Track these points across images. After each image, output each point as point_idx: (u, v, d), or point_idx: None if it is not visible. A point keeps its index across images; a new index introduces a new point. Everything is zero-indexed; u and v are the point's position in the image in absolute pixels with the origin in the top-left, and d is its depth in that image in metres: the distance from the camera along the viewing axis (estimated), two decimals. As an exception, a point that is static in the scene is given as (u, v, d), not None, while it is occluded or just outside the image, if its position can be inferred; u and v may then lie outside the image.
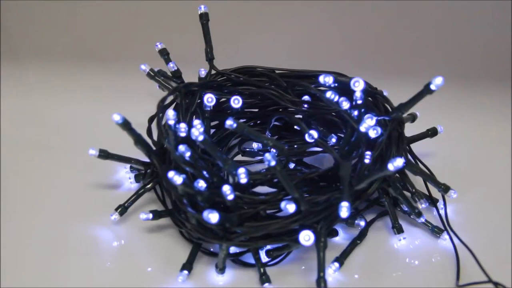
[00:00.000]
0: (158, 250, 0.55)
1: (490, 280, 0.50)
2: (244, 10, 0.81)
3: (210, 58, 0.63)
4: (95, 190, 0.62)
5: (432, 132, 0.63)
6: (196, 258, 0.53)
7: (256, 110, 0.64)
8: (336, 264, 0.53)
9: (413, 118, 0.62)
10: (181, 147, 0.50)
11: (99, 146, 0.57)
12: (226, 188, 0.47)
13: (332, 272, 0.53)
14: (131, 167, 0.61)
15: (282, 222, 0.49)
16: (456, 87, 0.72)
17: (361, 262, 0.54)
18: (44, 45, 0.84)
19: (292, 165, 0.62)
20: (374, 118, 0.51)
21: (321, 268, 0.48)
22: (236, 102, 0.58)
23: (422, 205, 0.55)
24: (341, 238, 0.56)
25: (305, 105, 0.60)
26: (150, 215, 0.55)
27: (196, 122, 0.56)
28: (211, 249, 0.54)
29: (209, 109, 0.59)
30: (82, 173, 0.63)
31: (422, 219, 0.56)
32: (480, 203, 0.61)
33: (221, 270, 0.52)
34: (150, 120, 0.62)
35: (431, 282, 0.52)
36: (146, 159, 0.58)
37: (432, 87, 0.48)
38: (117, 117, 0.50)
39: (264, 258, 0.53)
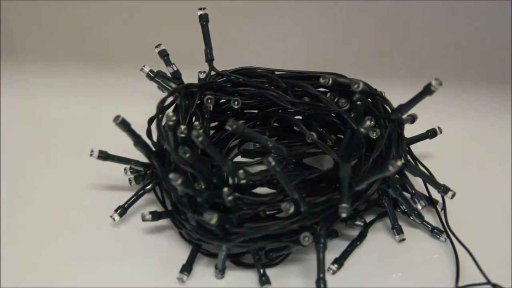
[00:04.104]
0: (157, 251, 0.55)
1: (489, 282, 0.50)
2: (244, 11, 0.81)
3: (209, 59, 0.63)
4: (95, 191, 0.62)
5: (431, 133, 0.63)
6: (195, 259, 0.53)
7: (256, 111, 0.64)
8: (336, 265, 0.53)
9: (412, 119, 0.62)
10: (181, 148, 0.50)
11: (99, 147, 0.57)
12: (226, 189, 0.47)
13: (331, 273, 0.53)
14: (130, 168, 0.61)
15: (282, 223, 0.49)
16: (456, 88, 0.72)
17: (360, 263, 0.54)
18: (44, 46, 0.84)
19: (291, 166, 0.62)
20: (374, 119, 0.51)
21: (321, 269, 0.48)
22: (235, 103, 0.58)
23: (421, 206, 0.55)
24: (341, 239, 0.56)
25: (305, 106, 0.60)
26: (150, 216, 0.55)
27: (196, 123, 0.56)
28: (211, 250, 0.54)
29: (208, 110, 0.59)
30: (82, 174, 0.63)
31: (421, 220, 0.56)
32: (480, 204, 0.61)
33: (221, 271, 0.52)
34: (150, 121, 0.62)
35: (430, 283, 0.52)
36: (146, 160, 0.58)
37: (432, 88, 0.49)
38: (116, 118, 0.50)
39: (263, 259, 0.53)
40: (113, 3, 0.81)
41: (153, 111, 0.56)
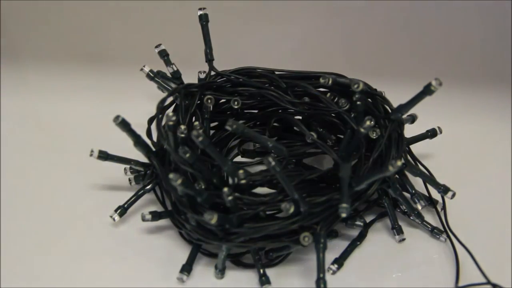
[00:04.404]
0: (157, 251, 0.55)
1: (489, 282, 0.50)
2: (244, 11, 0.81)
3: (209, 59, 0.63)
4: (95, 191, 0.62)
5: (431, 133, 0.63)
6: (195, 259, 0.53)
7: (256, 111, 0.64)
8: (336, 265, 0.53)
9: (412, 119, 0.62)
10: (181, 148, 0.50)
11: (99, 147, 0.57)
12: (226, 189, 0.47)
13: (331, 273, 0.53)
14: (130, 168, 0.61)
15: (282, 223, 0.49)
16: (456, 88, 0.72)
17: (360, 263, 0.54)
18: (44, 46, 0.84)
19: (291, 166, 0.62)
20: (374, 119, 0.51)
21: (321, 269, 0.48)
22: (235, 103, 0.58)
23: (421, 206, 0.55)
24: (341, 239, 0.56)
25: (305, 106, 0.60)
26: (150, 216, 0.55)
27: (196, 123, 0.56)
28: (211, 250, 0.54)
29: (208, 110, 0.59)
30: (82, 174, 0.63)
31: (421, 220, 0.56)
32: (480, 204, 0.61)
33: (220, 271, 0.52)
34: (150, 121, 0.62)
35: (430, 283, 0.52)
36: (146, 160, 0.58)
37: (432, 88, 0.49)
38: (116, 118, 0.50)
39: (263, 259, 0.53)
40: (113, 3, 0.81)
41: (153, 111, 0.56)
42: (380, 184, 0.54)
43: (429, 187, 0.58)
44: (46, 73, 0.82)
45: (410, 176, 0.57)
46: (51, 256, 0.54)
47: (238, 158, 0.66)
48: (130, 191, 0.59)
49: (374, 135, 0.54)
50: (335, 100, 0.58)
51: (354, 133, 0.54)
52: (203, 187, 0.51)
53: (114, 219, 0.57)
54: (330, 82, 0.56)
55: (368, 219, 0.58)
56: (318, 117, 0.60)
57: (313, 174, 0.54)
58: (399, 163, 0.44)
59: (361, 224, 0.56)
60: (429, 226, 0.56)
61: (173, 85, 0.64)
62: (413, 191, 0.56)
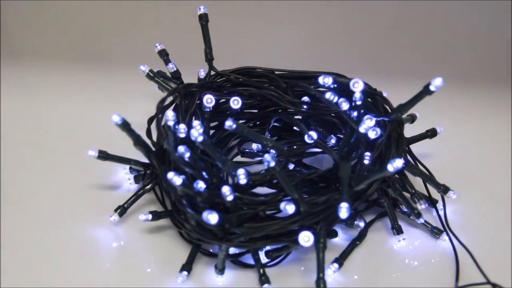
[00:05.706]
0: (157, 251, 0.55)
1: (488, 282, 0.50)
2: (244, 10, 0.81)
3: (209, 59, 0.63)
4: (95, 191, 0.62)
5: (431, 133, 0.63)
6: (195, 259, 0.53)
7: (256, 111, 0.64)
8: (336, 265, 0.53)
9: (412, 119, 0.62)
10: (181, 148, 0.50)
11: (99, 147, 0.57)
12: (226, 189, 0.47)
13: (331, 273, 0.53)
14: (130, 168, 0.61)
15: (282, 223, 0.49)
16: (456, 88, 0.72)
17: (360, 263, 0.54)
18: (44, 45, 0.84)
19: (291, 166, 0.62)
20: (374, 119, 0.51)
21: (321, 269, 0.48)
22: (235, 103, 0.58)
23: (421, 206, 0.55)
24: (341, 239, 0.56)
25: (305, 106, 0.60)
26: (150, 216, 0.55)
27: (196, 123, 0.56)
28: (211, 250, 0.54)
29: (208, 110, 0.59)
30: (82, 174, 0.63)
31: (421, 220, 0.56)
32: (480, 204, 0.61)
33: (220, 271, 0.52)
34: (150, 121, 0.62)
35: (430, 283, 0.52)
36: (146, 160, 0.58)
37: (432, 88, 0.49)
38: (116, 118, 0.50)
39: (263, 259, 0.53)
40: (113, 3, 0.81)
41: (153, 111, 0.56)
42: (380, 184, 0.54)
43: (429, 187, 0.58)
44: (46, 73, 0.82)
45: (410, 176, 0.57)
46: (51, 256, 0.54)
47: (238, 158, 0.66)
48: (130, 191, 0.59)
49: (374, 134, 0.54)
50: (335, 100, 0.58)
51: (354, 133, 0.54)
52: (203, 187, 0.51)
53: (113, 219, 0.57)
54: (330, 82, 0.56)
55: (368, 219, 0.58)
56: (318, 117, 0.60)
57: (313, 174, 0.54)
58: (398, 163, 0.44)
59: (361, 223, 0.56)
60: (429, 226, 0.56)
61: (173, 85, 0.64)
62: (413, 191, 0.56)
